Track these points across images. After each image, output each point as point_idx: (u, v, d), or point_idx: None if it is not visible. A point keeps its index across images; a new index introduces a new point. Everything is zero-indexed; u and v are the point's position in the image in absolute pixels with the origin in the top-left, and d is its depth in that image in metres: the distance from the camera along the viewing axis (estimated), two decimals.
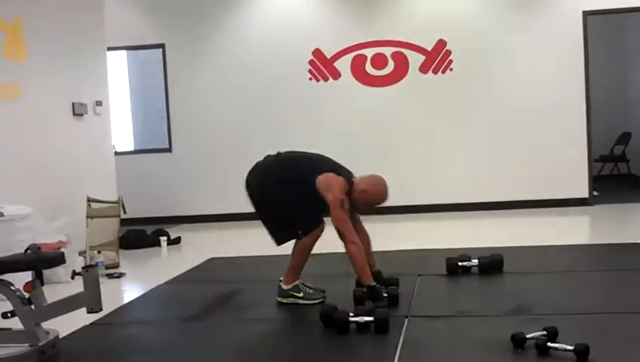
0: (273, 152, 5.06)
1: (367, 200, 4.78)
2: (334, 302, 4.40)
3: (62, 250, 5.11)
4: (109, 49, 8.42)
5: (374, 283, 4.58)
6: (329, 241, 4.78)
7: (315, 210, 4.69)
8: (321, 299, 4.75)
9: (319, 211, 4.70)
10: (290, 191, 4.72)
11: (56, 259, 4.25)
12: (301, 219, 4.75)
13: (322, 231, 4.74)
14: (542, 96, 8.96)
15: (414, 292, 4.88)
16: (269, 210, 4.85)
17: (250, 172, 4.96)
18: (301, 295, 4.78)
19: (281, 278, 4.86)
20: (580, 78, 8.86)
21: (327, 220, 4.67)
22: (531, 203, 8.89)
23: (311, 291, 4.81)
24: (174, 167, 9.63)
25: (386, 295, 4.53)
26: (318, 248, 4.81)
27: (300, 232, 4.73)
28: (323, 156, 4.98)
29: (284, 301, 4.82)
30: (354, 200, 4.73)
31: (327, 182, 4.65)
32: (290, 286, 4.80)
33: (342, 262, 4.87)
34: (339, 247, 4.72)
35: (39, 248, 4.19)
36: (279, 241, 4.88)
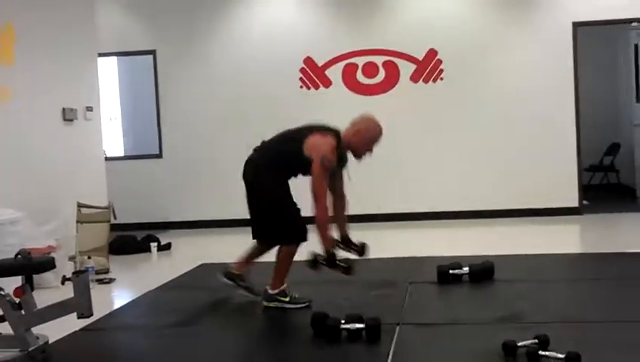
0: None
1: (365, 138, 4.78)
2: (326, 308, 4.39)
3: (52, 255, 5.07)
4: (100, 55, 8.41)
5: (332, 250, 4.60)
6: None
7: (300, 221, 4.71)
8: (307, 304, 4.78)
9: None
10: (281, 174, 4.74)
11: (47, 264, 4.23)
12: (286, 226, 4.77)
13: (304, 240, 4.78)
14: (532, 107, 8.99)
15: (405, 300, 4.89)
16: (260, 205, 4.84)
17: (245, 164, 4.93)
18: (287, 299, 4.81)
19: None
20: (569, 89, 8.91)
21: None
22: (522, 211, 8.91)
23: (297, 296, 4.84)
24: (165, 172, 9.61)
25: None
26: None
27: (279, 240, 4.78)
28: (308, 124, 4.98)
29: (270, 305, 4.84)
30: (352, 146, 4.75)
31: (314, 143, 4.67)
32: (276, 291, 4.82)
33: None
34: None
35: (29, 253, 4.16)
36: (255, 236, 4.92)
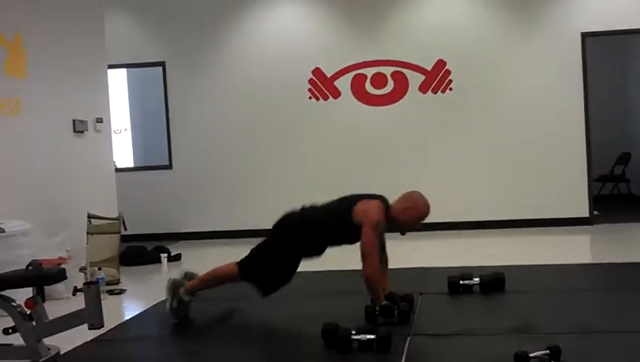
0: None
1: (414, 216, 4.78)
2: (337, 319, 4.38)
3: (62, 266, 5.09)
4: (110, 66, 8.45)
5: (386, 302, 4.58)
6: (335, 259, 4.77)
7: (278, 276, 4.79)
8: (176, 321, 4.87)
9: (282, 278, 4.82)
10: (317, 241, 4.78)
11: (58, 275, 4.24)
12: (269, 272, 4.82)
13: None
14: (542, 117, 8.99)
15: (416, 311, 4.87)
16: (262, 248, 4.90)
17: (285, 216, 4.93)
18: (175, 304, 4.87)
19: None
20: (579, 99, 8.90)
21: None
22: (532, 222, 8.89)
23: (181, 314, 4.90)
24: (174, 183, 9.64)
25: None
26: (326, 265, 4.78)
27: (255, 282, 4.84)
28: (353, 194, 4.92)
29: (168, 292, 4.91)
30: (401, 221, 4.75)
31: (365, 207, 4.63)
32: (185, 291, 4.90)
33: (348, 280, 4.88)
34: (346, 265, 4.70)
35: (40, 264, 4.18)
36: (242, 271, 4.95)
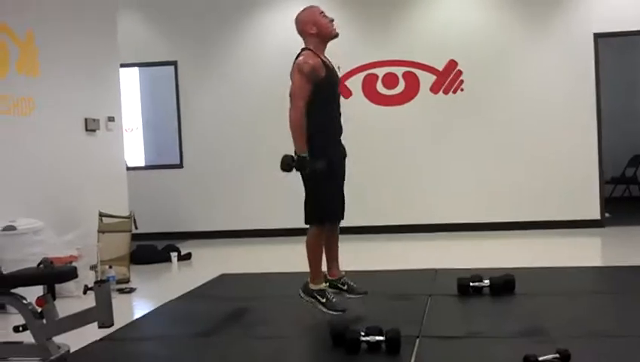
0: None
1: (316, 22, 4.83)
2: (346, 320, 4.38)
3: (73, 264, 5.11)
4: (122, 65, 8.48)
5: (305, 155, 4.58)
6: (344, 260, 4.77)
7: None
8: (341, 311, 4.69)
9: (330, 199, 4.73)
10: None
11: (69, 273, 4.26)
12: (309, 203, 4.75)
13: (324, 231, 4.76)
14: (553, 118, 8.95)
15: (425, 313, 4.86)
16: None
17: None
18: (324, 301, 4.72)
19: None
20: (591, 100, 8.86)
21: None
22: (543, 224, 8.85)
23: (335, 301, 4.75)
24: (185, 182, 9.66)
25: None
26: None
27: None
28: None
29: (305, 298, 4.78)
30: (317, 31, 4.81)
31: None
32: (317, 288, 4.75)
33: (358, 281, 4.88)
34: (355, 266, 4.69)
35: (52, 262, 4.20)
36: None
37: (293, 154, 4.61)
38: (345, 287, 4.91)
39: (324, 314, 4.73)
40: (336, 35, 4.90)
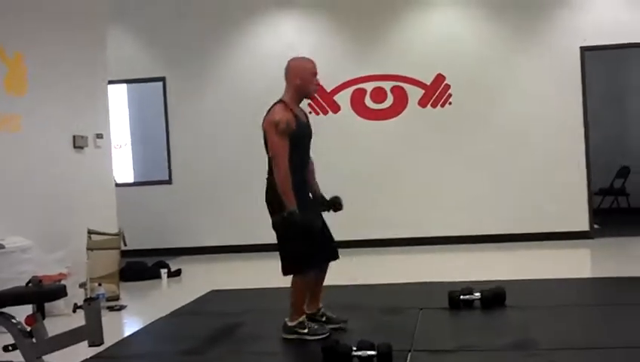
0: None
1: (300, 71, 4.75)
2: (338, 335, 4.37)
3: (62, 282, 5.08)
4: (110, 82, 8.47)
5: (294, 209, 4.52)
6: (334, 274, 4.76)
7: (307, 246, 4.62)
8: (327, 334, 4.68)
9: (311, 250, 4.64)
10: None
11: (58, 291, 4.23)
12: (288, 253, 4.72)
13: (313, 277, 4.71)
14: (541, 130, 9.00)
15: (417, 326, 4.86)
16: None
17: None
18: (306, 331, 4.71)
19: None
20: (578, 113, 8.92)
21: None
22: (532, 236, 8.88)
23: (316, 326, 4.74)
24: (174, 198, 9.64)
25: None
26: (326, 281, 4.78)
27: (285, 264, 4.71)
28: None
29: (289, 337, 4.76)
30: (299, 90, 4.75)
31: (267, 124, 4.73)
32: (294, 324, 4.75)
33: (349, 295, 4.86)
34: (346, 281, 4.68)
35: (40, 281, 4.17)
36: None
37: (283, 213, 4.56)
38: (323, 319, 4.89)
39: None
40: (313, 96, 4.99)
